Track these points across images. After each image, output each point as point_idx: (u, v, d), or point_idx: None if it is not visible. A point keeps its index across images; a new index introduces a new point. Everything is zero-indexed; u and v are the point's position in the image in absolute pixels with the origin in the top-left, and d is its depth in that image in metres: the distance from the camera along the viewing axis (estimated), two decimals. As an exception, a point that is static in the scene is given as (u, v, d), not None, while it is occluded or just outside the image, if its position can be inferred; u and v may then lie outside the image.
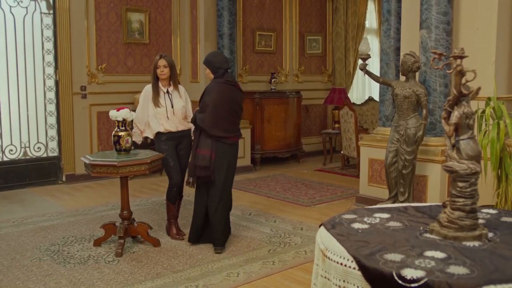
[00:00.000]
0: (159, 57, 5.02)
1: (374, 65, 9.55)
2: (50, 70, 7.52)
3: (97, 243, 4.89)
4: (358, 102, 10.34)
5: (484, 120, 4.58)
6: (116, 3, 7.96)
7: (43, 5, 7.41)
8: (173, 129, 5.08)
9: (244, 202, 6.52)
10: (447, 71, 2.23)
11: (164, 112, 5.01)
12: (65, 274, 4.20)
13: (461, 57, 2.19)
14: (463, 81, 2.20)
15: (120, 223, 4.84)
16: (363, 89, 10.77)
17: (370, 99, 10.13)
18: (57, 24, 7.43)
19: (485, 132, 4.53)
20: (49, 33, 7.47)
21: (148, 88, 5.11)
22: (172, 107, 5.04)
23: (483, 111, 4.58)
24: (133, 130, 5.10)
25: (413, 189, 5.19)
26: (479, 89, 2.21)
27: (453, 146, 2.27)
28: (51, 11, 7.46)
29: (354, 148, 8.03)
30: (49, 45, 7.49)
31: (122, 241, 4.70)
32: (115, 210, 6.00)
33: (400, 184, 5.12)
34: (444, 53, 2.22)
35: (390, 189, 5.23)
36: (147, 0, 8.30)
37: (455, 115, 2.23)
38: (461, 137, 2.24)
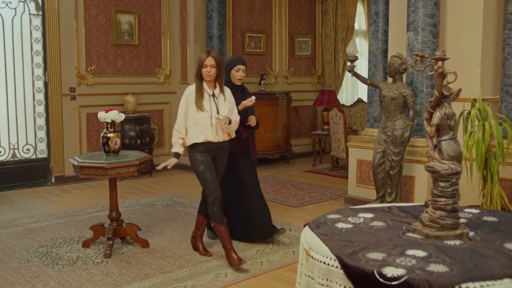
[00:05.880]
0: (206, 54, 4.34)
1: (363, 67, 9.61)
2: (39, 71, 7.51)
3: (86, 244, 4.89)
4: (348, 104, 10.39)
5: (469, 121, 4.64)
6: (105, 4, 7.96)
7: (32, 6, 7.39)
8: (214, 139, 4.39)
9: (233, 203, 6.54)
10: (429, 73, 2.26)
11: (208, 118, 4.32)
12: (53, 276, 4.20)
13: (443, 59, 2.23)
14: (445, 82, 2.24)
15: (108, 224, 4.85)
16: (352, 90, 10.82)
17: (359, 100, 10.19)
18: (46, 26, 7.41)
19: (470, 133, 4.59)
20: (38, 34, 7.46)
21: (191, 89, 4.43)
22: (218, 112, 4.37)
23: (469, 113, 4.64)
24: (173, 140, 4.47)
25: (400, 190, 5.24)
26: (460, 90, 2.26)
27: (435, 146, 2.31)
28: (40, 12, 7.44)
29: (343, 149, 8.07)
30: (38, 47, 7.47)
31: (110, 242, 4.71)
32: (104, 211, 6.00)
33: (387, 185, 5.17)
34: (426, 55, 2.26)
35: (378, 189, 5.27)
36: (137, 1, 8.31)
37: (437, 116, 2.27)
38: (443, 138, 2.28)
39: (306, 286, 2.20)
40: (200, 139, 4.33)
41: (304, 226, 2.48)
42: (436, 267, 1.90)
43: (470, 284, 1.76)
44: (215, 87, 4.41)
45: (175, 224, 5.61)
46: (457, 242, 2.19)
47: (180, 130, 4.40)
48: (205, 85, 4.37)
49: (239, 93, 4.86)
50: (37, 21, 7.45)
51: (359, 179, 6.23)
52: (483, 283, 1.77)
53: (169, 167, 4.43)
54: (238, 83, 4.86)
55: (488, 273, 1.84)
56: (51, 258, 4.61)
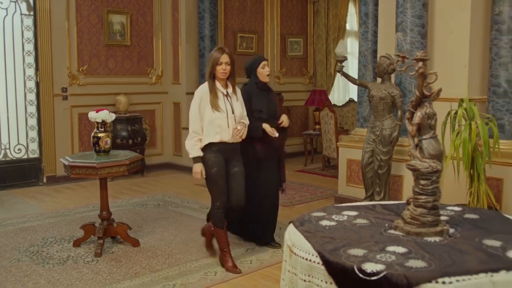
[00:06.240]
0: (221, 52, 4.18)
1: (354, 67, 9.67)
2: (31, 71, 7.51)
3: (77, 243, 4.92)
4: (339, 104, 10.45)
5: (457, 121, 4.69)
6: (97, 5, 7.98)
7: (24, 6, 7.40)
8: (229, 140, 4.25)
9: (224, 202, 6.59)
10: (410, 74, 2.32)
11: (224, 117, 4.17)
12: (43, 275, 4.23)
13: (423, 60, 2.28)
14: (425, 83, 2.29)
15: (99, 223, 4.88)
16: (344, 90, 10.87)
17: (351, 100, 10.25)
18: (37, 26, 7.42)
19: (457, 133, 4.64)
20: (29, 34, 7.46)
21: (205, 89, 4.22)
22: (233, 112, 4.24)
23: (456, 112, 4.69)
24: (190, 143, 4.22)
25: (389, 189, 5.29)
26: (440, 90, 2.30)
27: (416, 145, 2.36)
28: (32, 13, 7.45)
29: (334, 149, 8.12)
30: (30, 47, 7.48)
31: (101, 241, 4.73)
32: (95, 211, 6.01)
33: (376, 184, 5.22)
34: (407, 56, 2.31)
35: (367, 188, 5.32)
36: (129, 2, 8.33)
37: (418, 115, 2.32)
38: (424, 137, 2.33)
39: (289, 282, 2.24)
40: (215, 139, 4.17)
41: (289, 223, 2.53)
42: (415, 263, 1.94)
43: (447, 279, 1.81)
44: (227, 86, 4.26)
45: (166, 224, 5.64)
46: (437, 239, 2.24)
47: (198, 131, 4.18)
48: (217, 84, 4.21)
49: (266, 92, 4.82)
50: (29, 21, 7.45)
51: (349, 178, 6.28)
52: (459, 278, 1.82)
53: (204, 175, 4.23)
54: (267, 80, 4.78)
55: (465, 268, 1.89)
56: (42, 257, 4.63)
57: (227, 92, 4.23)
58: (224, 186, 4.27)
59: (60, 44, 7.62)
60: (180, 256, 4.66)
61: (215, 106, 4.12)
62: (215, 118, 4.14)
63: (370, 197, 5.30)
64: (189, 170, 8.34)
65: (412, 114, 2.35)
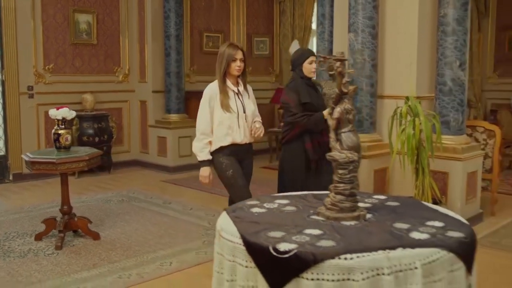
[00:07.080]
0: (235, 48, 3.98)
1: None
2: (-4, 70, 7.60)
3: (38, 237, 5.06)
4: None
5: (402, 117, 4.95)
6: (63, 4, 8.08)
7: (-12, 5, 7.48)
8: (240, 141, 4.03)
9: (186, 197, 6.78)
10: (329, 73, 2.54)
11: (235, 118, 3.96)
12: (3, 267, 4.37)
13: (341, 60, 2.50)
14: (344, 81, 2.52)
15: (60, 217, 5.02)
16: (310, 89, 11.13)
17: (316, 98, 10.50)
18: (2, 24, 7.50)
19: (403, 129, 4.90)
20: (-6, 33, 7.55)
21: (214, 88, 3.99)
22: (244, 111, 4.03)
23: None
24: (199, 146, 4.03)
25: (341, 182, 5.52)
26: (356, 88, 2.54)
27: (336, 138, 2.58)
28: (-3, 12, 7.53)
29: (297, 146, 8.34)
30: (-5, 45, 7.57)
31: (62, 234, 4.89)
32: (59, 207, 6.14)
33: (329, 178, 5.45)
34: (328, 57, 2.53)
35: (320, 182, 5.56)
36: (95, 1, 8.45)
37: (337, 110, 2.54)
38: (343, 130, 2.56)
39: (218, 263, 2.45)
40: (226, 142, 3.97)
41: (223, 211, 2.73)
42: (325, 243, 2.16)
43: (348, 255, 2.03)
44: (238, 83, 4.06)
45: (128, 218, 5.81)
46: (353, 223, 2.47)
47: (207, 133, 3.98)
48: (228, 82, 3.99)
49: (313, 89, 4.49)
50: (-6, 20, 7.53)
51: (307, 173, 6.49)
52: (360, 254, 2.04)
53: (212, 179, 4.08)
54: (312, 75, 4.46)
55: (367, 246, 2.11)
56: (3, 250, 4.76)
57: (238, 90, 4.03)
58: (246, 187, 4.07)
59: (25, 42, 7.70)
60: (138, 248, 4.84)
61: (225, 106, 3.92)
62: (225, 119, 3.94)
63: (323, 191, 5.54)
64: (155, 167, 8.65)
65: (333, 109, 2.57)
